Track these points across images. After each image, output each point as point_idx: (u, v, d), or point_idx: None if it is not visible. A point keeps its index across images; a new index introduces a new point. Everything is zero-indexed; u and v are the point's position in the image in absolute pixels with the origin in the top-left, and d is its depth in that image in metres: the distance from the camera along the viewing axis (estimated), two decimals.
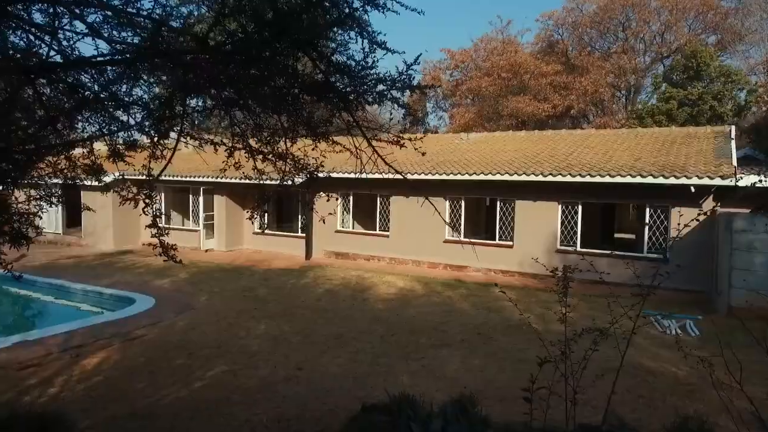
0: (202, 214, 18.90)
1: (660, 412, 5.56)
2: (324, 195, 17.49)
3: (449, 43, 70.40)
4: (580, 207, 13.89)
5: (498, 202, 15.06)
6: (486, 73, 38.03)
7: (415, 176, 15.15)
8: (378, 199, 16.83)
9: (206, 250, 18.81)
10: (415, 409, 3.76)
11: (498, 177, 13.94)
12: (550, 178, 13.33)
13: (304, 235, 17.84)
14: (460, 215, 15.53)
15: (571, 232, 14.06)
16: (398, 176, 14.44)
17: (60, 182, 4.25)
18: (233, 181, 17.39)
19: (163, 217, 20.27)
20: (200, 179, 18.08)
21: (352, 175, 15.99)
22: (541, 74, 35.45)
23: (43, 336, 8.69)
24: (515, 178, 13.76)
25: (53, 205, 4.50)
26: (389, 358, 7.44)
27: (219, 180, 17.71)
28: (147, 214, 3.69)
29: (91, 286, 12.65)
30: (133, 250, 18.93)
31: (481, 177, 14.17)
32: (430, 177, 14.93)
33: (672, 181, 12.11)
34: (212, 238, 19.07)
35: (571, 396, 3.27)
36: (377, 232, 16.93)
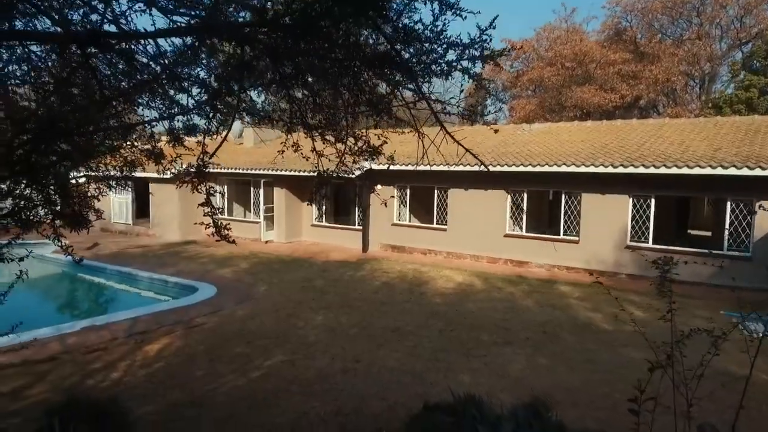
0: (262, 207, 19.21)
1: (757, 423, 5.00)
2: (381, 187, 17.48)
3: (509, 34, 68.54)
4: (653, 200, 13.01)
5: (563, 196, 14.36)
6: (549, 62, 36.73)
7: (475, 168, 14.68)
8: (436, 191, 16.49)
9: (266, 242, 19.11)
10: (482, 410, 3.47)
11: (564, 168, 13.28)
12: (621, 170, 12.55)
13: (360, 227, 17.77)
14: (522, 209, 14.95)
15: (643, 227, 13.21)
16: (457, 168, 13.96)
17: (120, 167, 4.18)
18: (292, 173, 17.57)
19: (225, 208, 20.79)
20: (260, 171, 18.35)
21: (411, 167, 15.73)
22: (607, 63, 33.85)
23: (109, 321, 8.98)
24: (582, 169, 13.06)
25: (113, 189, 4.46)
26: (448, 353, 7.15)
27: (278, 173, 17.92)
28: (200, 192, 3.56)
29: (157, 274, 13.05)
30: (197, 241, 19.48)
31: (546, 169, 13.55)
32: (491, 169, 14.42)
33: (758, 172, 11.10)
34: (272, 229, 19.35)
35: (683, 408, 2.80)
36: (434, 225, 16.60)
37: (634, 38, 36.94)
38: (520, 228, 15.10)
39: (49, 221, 4.25)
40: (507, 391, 5.66)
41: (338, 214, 21.20)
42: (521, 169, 13.94)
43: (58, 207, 3.55)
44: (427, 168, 15.37)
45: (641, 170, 12.35)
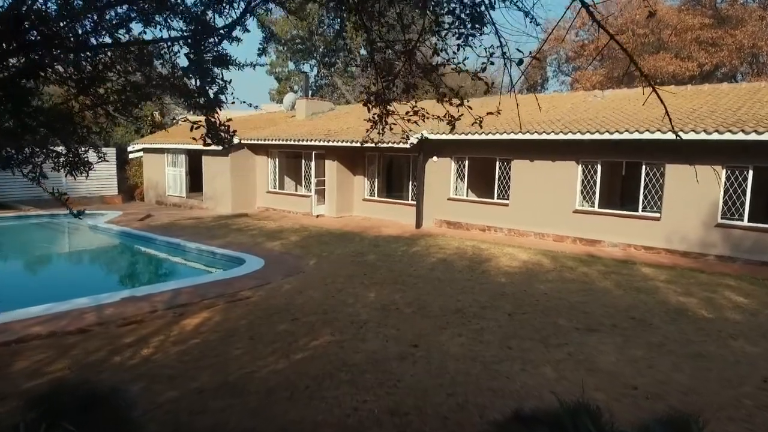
0: (313, 180, 18.53)
1: None
2: (437, 159, 16.39)
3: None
4: (750, 172, 11.34)
5: (643, 167, 12.82)
6: (619, 29, 34.15)
7: (543, 136, 13.36)
8: (497, 163, 15.24)
9: (317, 216, 18.48)
10: (599, 425, 2.48)
11: (647, 136, 11.76)
12: (715, 136, 10.94)
13: (414, 202, 16.79)
14: (594, 182, 13.53)
15: (738, 202, 11.58)
16: (522, 137, 12.58)
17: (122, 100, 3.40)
18: (344, 144, 16.74)
19: (276, 182, 20.30)
20: (312, 143, 17.63)
21: (471, 136, 14.58)
22: (685, 29, 31.04)
23: (151, 292, 8.47)
24: (669, 136, 11.52)
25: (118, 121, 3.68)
26: (522, 341, 6.13)
27: (330, 144, 17.14)
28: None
29: (205, 245, 12.60)
30: (248, 214, 19.13)
31: (626, 136, 12.06)
32: (561, 137, 13.07)
33: None
34: (323, 204, 18.68)
35: None
36: (495, 200, 15.40)
37: (714, 1, 33.70)
38: (592, 203, 13.69)
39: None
40: (603, 390, 4.62)
41: (390, 188, 20.30)
42: (597, 136, 12.51)
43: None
44: (490, 137, 14.20)
45: (740, 136, 10.72)
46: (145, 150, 23.95)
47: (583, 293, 8.47)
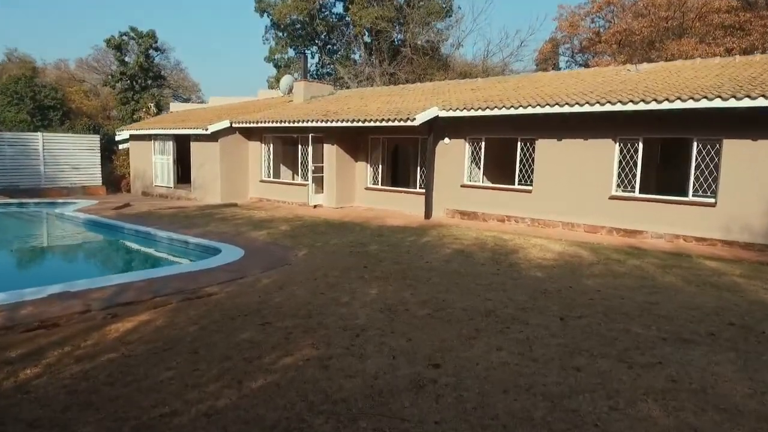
0: (310, 166, 16.61)
1: None
2: (449, 141, 14.45)
3: None
4: None
5: (694, 144, 10.85)
6: (638, 13, 32.20)
7: (575, 108, 11.42)
8: (519, 144, 13.28)
9: (314, 206, 16.58)
10: None
11: (704, 104, 9.80)
12: None
13: (423, 191, 14.87)
14: (635, 163, 11.57)
15: None
16: (549, 110, 10.33)
17: None
18: (344, 124, 14.85)
19: (271, 170, 18.42)
20: (309, 124, 15.73)
21: (488, 112, 12.65)
22: (711, 11, 29.04)
23: (90, 287, 6.57)
24: (731, 103, 9.56)
25: None
26: (592, 358, 4.20)
27: (329, 124, 15.24)
28: None
29: (177, 234, 10.71)
30: (238, 204, 17.27)
31: (677, 105, 10.10)
32: (597, 108, 11.12)
33: None
34: (321, 193, 16.77)
35: None
36: (516, 186, 13.44)
37: None
38: (632, 188, 11.72)
39: None
40: None
41: (396, 176, 18.39)
42: (641, 107, 10.54)
43: None
44: (512, 112, 12.27)
45: None
46: (132, 137, 22.11)
47: (647, 291, 6.52)
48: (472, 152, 14.21)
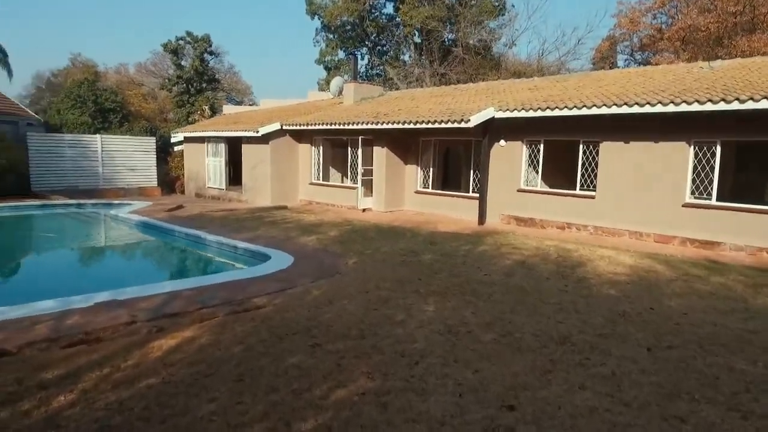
0: (360, 169, 16.28)
1: None
2: (505, 143, 13.77)
3: None
4: None
5: None
6: (703, 9, 30.32)
7: (646, 108, 10.55)
8: (581, 147, 12.47)
9: (363, 210, 16.24)
10: None
11: None
12: None
13: (476, 195, 14.25)
14: (712, 167, 10.59)
15: None
16: (617, 110, 9.39)
17: None
18: (396, 126, 14.43)
19: (320, 172, 18.23)
20: (359, 126, 15.39)
21: (548, 112, 11.92)
22: None
23: (137, 296, 6.39)
24: None
25: None
26: (694, 402, 3.57)
27: (379, 126, 14.85)
28: None
29: (227, 239, 10.55)
30: (288, 207, 17.13)
31: (762, 105, 9.11)
32: (671, 108, 10.23)
33: None
34: (370, 196, 16.41)
35: None
36: (577, 191, 12.63)
37: None
38: (708, 195, 10.74)
39: None
40: None
41: (447, 179, 17.80)
42: (720, 107, 9.60)
43: None
44: (574, 112, 11.51)
45: None
46: (186, 139, 22.47)
47: (741, 316, 5.74)
48: (530, 155, 13.48)
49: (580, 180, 12.59)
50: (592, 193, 12.28)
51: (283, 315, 5.51)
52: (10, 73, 34.93)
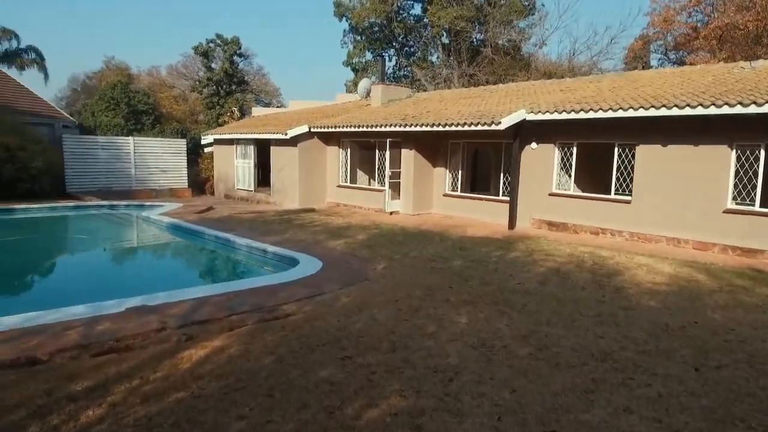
0: (387, 172, 16.16)
1: None
2: (537, 146, 13.47)
3: None
4: None
5: None
6: (742, 6, 29.29)
7: (686, 110, 10.16)
8: (616, 150, 12.11)
9: (391, 213, 16.13)
10: None
11: None
12: None
13: (507, 198, 14.00)
14: (756, 172, 10.14)
15: None
16: (655, 113, 9.05)
17: None
18: (424, 129, 14.27)
19: (347, 175, 18.19)
20: (386, 129, 15.29)
21: (582, 114, 11.60)
22: None
23: (167, 301, 6.39)
24: None
25: None
26: (749, 430, 3.34)
27: (408, 129, 14.72)
28: None
29: (256, 242, 10.56)
30: (315, 209, 17.13)
31: None
32: (713, 111, 9.82)
33: None
34: (398, 199, 16.29)
35: None
36: (612, 196, 12.27)
37: None
38: (751, 201, 10.30)
39: None
40: None
41: (476, 182, 17.55)
42: (765, 109, 9.18)
43: None
44: (609, 114, 11.18)
45: None
46: (216, 141, 22.73)
47: None
48: (562, 158, 13.17)
49: (615, 184, 12.22)
50: (628, 198, 11.92)
51: (312, 324, 5.43)
52: (46, 76, 36.00)
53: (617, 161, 12.12)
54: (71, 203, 17.41)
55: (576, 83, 15.93)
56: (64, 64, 70.90)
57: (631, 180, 11.85)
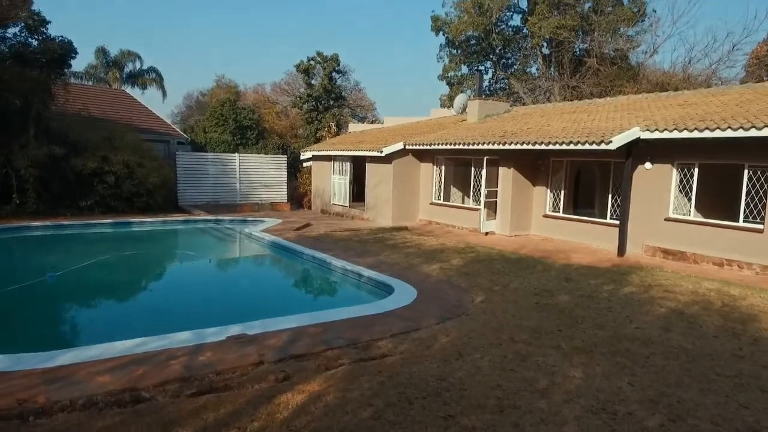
0: (483, 190, 15.64)
1: None
2: (651, 166, 12.34)
3: None
4: None
5: None
6: None
7: None
8: (746, 172, 10.79)
9: (486, 233, 15.58)
10: None
11: None
12: None
13: (616, 222, 12.97)
14: None
15: None
16: None
17: None
18: (524, 147, 13.64)
19: (441, 192, 17.87)
20: (484, 146, 14.81)
21: (707, 133, 10.44)
22: None
23: (266, 330, 6.42)
24: None
25: None
26: None
27: (507, 147, 14.15)
28: None
29: (352, 265, 10.51)
30: (408, 227, 16.96)
31: None
32: None
33: None
34: (493, 219, 15.70)
35: None
36: (740, 223, 10.93)
37: None
38: None
39: None
40: None
41: (578, 203, 16.52)
42: None
43: None
44: (740, 134, 9.98)
45: None
46: (314, 157, 23.39)
47: None
48: (681, 180, 11.97)
49: (744, 210, 10.89)
50: (760, 226, 10.56)
51: (410, 369, 5.14)
52: (164, 94, 39.08)
53: (747, 184, 10.80)
54: (181, 217, 18.57)
55: (696, 96, 14.51)
56: (182, 82, 77.05)
57: (764, 206, 10.49)
